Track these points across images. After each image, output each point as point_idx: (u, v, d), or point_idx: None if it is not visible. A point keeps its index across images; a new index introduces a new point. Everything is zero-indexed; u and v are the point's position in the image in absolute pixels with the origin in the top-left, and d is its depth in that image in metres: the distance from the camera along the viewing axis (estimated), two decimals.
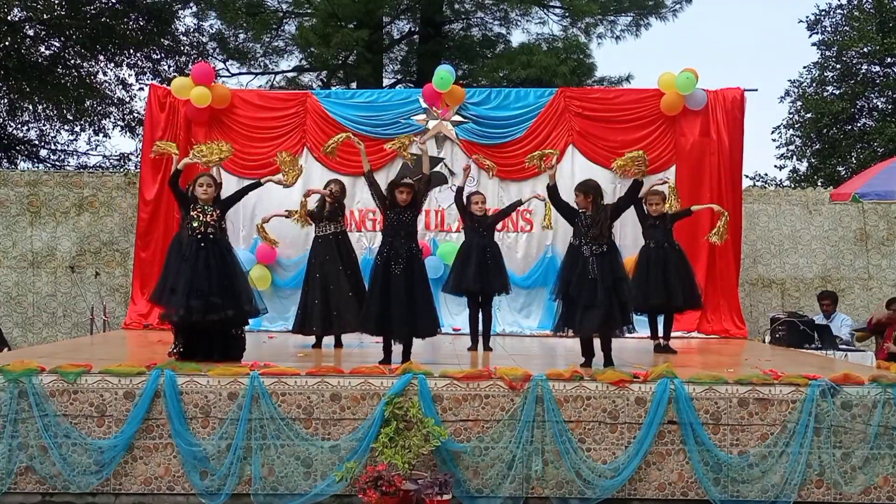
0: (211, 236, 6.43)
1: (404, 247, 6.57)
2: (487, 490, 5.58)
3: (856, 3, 18.51)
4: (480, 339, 8.00)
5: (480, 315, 8.03)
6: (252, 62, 18.22)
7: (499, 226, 8.80)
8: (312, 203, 8.31)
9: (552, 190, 6.69)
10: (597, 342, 6.56)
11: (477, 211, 7.99)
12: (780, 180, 19.85)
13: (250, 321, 6.85)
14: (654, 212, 7.85)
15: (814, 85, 18.94)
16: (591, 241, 6.39)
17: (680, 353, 7.89)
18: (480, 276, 7.80)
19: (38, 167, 17.83)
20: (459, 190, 8.10)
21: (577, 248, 6.47)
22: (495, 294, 8.14)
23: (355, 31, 16.11)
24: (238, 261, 6.73)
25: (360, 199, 10.29)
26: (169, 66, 17.16)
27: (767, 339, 9.37)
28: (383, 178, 10.22)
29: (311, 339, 8.02)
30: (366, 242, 10.22)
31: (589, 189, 6.59)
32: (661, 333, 8.02)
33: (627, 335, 6.71)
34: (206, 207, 6.46)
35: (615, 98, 10.49)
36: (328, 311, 7.76)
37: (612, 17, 17.33)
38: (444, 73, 9.94)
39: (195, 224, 6.42)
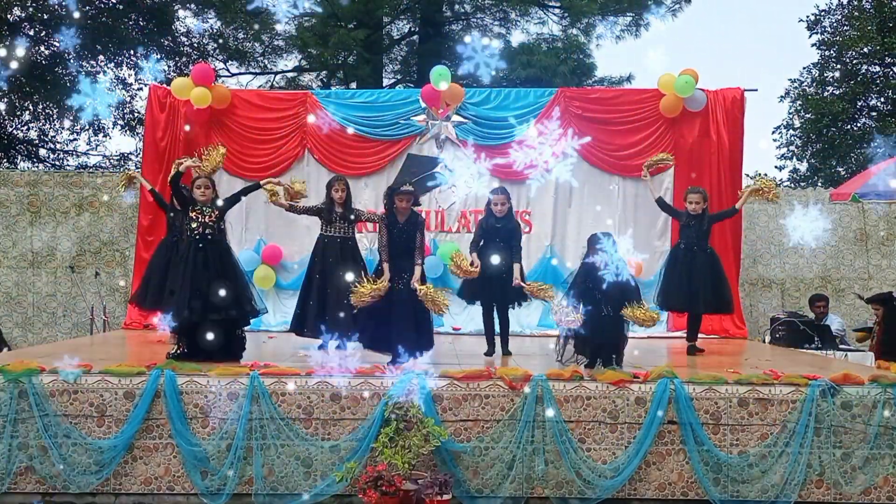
0: (209, 237, 6.49)
1: (407, 263, 6.55)
2: (487, 490, 5.59)
3: (856, 3, 18.53)
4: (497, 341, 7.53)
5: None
6: (252, 62, 18.23)
7: None
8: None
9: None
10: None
11: (498, 213, 7.19)
12: (781, 180, 19.86)
13: (251, 321, 6.90)
14: (693, 210, 7.59)
15: (814, 85, 18.94)
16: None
17: (680, 353, 7.89)
18: (495, 287, 7.16)
19: (37, 167, 17.83)
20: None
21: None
22: (512, 306, 7.51)
23: (353, 31, 16.11)
24: (237, 261, 6.81)
25: (360, 199, 10.29)
26: (169, 66, 17.17)
27: (767, 339, 9.36)
28: (383, 181, 10.25)
29: (310, 340, 7.98)
30: (367, 243, 10.21)
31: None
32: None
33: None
34: (204, 209, 6.52)
35: (615, 99, 10.47)
36: (322, 314, 7.57)
37: (612, 18, 17.33)
38: (441, 70, 9.96)
39: (194, 225, 6.48)
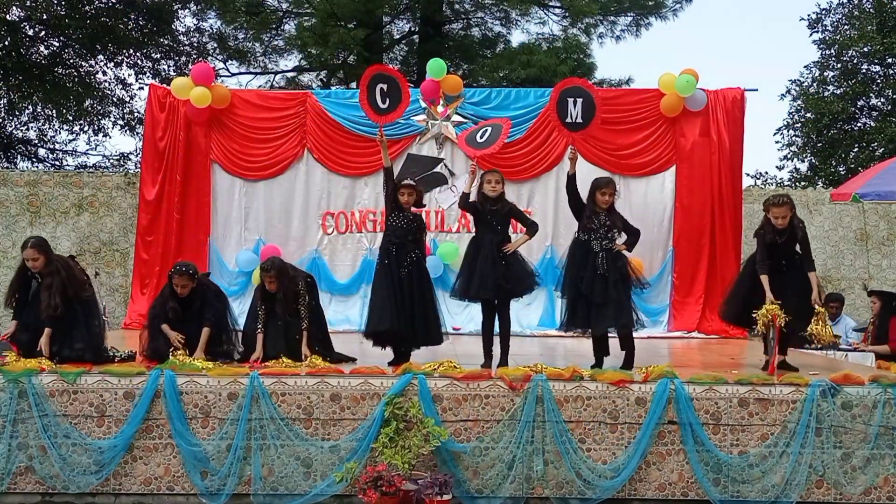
0: None
1: (412, 252, 6.51)
2: (488, 490, 5.58)
3: (856, 2, 18.53)
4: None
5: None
6: (252, 62, 18.23)
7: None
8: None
9: (571, 179, 6.63)
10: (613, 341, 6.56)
11: (490, 191, 6.50)
12: (782, 180, 19.86)
13: None
14: (780, 225, 6.28)
15: (814, 84, 18.93)
16: (601, 238, 6.43)
17: (680, 353, 7.88)
18: (495, 277, 6.47)
19: (37, 167, 17.82)
20: (465, 196, 6.64)
21: (586, 244, 6.46)
22: (515, 297, 6.84)
23: (353, 31, 16.11)
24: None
25: (360, 199, 10.30)
26: (169, 66, 17.17)
27: None
28: (383, 181, 10.24)
29: None
30: (366, 243, 10.22)
31: (615, 188, 6.60)
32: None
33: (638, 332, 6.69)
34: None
35: (615, 99, 10.45)
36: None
37: (613, 18, 17.33)
38: (437, 62, 9.98)
39: None
